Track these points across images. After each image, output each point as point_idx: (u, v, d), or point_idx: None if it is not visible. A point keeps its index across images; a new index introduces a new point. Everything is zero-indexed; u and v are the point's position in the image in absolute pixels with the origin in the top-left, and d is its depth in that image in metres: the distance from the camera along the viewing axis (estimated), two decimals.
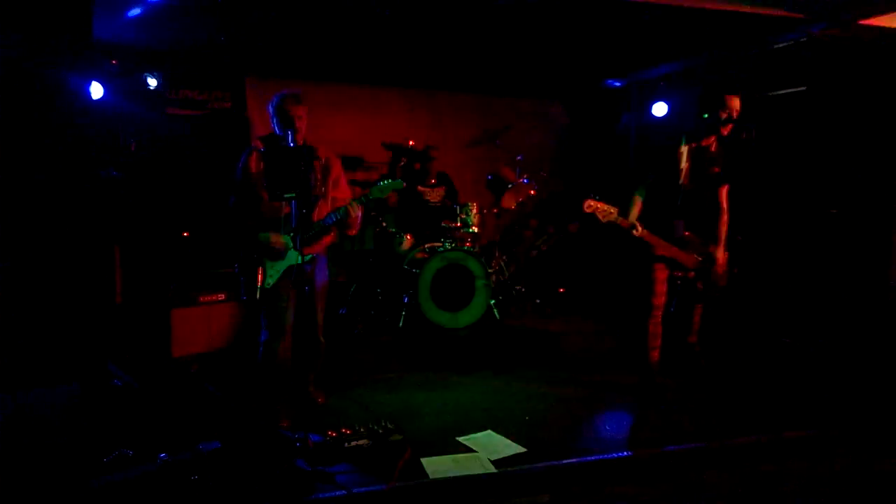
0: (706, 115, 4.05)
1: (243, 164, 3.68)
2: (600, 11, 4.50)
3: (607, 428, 3.96)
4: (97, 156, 4.35)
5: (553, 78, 6.84)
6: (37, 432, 3.08)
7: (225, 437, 3.10)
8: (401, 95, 7.18)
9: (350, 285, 5.94)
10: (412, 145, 5.91)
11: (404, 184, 3.78)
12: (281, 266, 3.64)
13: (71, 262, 3.61)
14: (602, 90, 7.14)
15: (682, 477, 3.37)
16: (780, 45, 4.98)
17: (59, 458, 3.01)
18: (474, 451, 3.43)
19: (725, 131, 4.06)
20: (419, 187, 6.07)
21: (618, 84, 6.94)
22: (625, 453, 3.44)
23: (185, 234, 5.51)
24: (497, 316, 5.54)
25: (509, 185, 6.07)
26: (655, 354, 4.32)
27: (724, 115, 4.00)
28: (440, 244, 5.49)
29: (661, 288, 4.21)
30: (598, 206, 3.84)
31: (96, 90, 4.77)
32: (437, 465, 3.24)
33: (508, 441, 3.57)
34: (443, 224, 5.71)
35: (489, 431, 3.71)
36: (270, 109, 3.67)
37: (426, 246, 5.57)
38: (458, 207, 5.71)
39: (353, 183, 5.01)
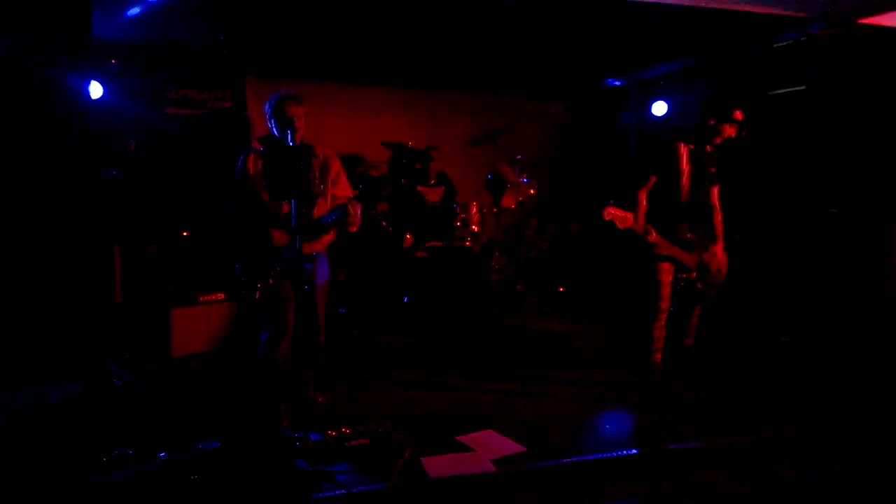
0: (712, 124, 4.12)
1: (242, 165, 3.68)
2: (600, 11, 4.49)
3: (607, 427, 3.96)
4: (97, 155, 4.36)
5: (553, 77, 6.84)
6: (36, 432, 3.08)
7: (225, 437, 3.10)
8: (400, 95, 7.17)
9: (350, 285, 5.94)
10: (412, 144, 5.91)
11: (404, 181, 3.77)
12: (281, 265, 3.64)
13: (70, 262, 3.61)
14: (602, 89, 7.14)
15: (682, 477, 3.37)
16: (780, 45, 4.98)
17: (58, 458, 3.01)
18: (474, 451, 3.44)
19: (721, 140, 4.17)
20: (419, 187, 6.07)
21: (618, 83, 6.94)
22: (625, 453, 3.44)
23: (185, 234, 5.50)
24: (497, 315, 5.54)
25: (509, 185, 6.06)
26: (658, 356, 4.33)
27: (730, 131, 4.10)
28: (440, 243, 5.49)
29: (667, 291, 4.22)
30: (617, 213, 3.85)
31: (95, 89, 4.77)
32: (438, 465, 3.24)
33: (509, 440, 3.57)
34: (443, 223, 5.71)
35: (489, 431, 3.71)
36: (268, 110, 3.67)
37: (426, 245, 5.56)
38: (457, 207, 5.70)
39: (352, 182, 5.01)
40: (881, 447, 3.74)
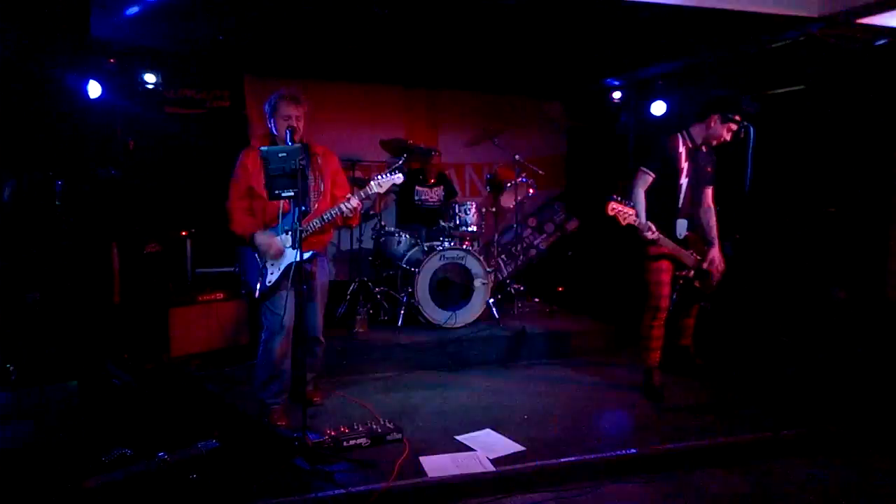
0: (712, 124, 4.15)
1: (240, 164, 3.68)
2: (599, 10, 4.50)
3: (606, 427, 3.96)
4: (95, 154, 4.35)
5: (552, 77, 6.84)
6: (36, 431, 3.08)
7: (224, 436, 3.10)
8: (400, 94, 7.17)
9: (349, 284, 5.93)
10: (411, 144, 5.90)
11: (402, 177, 3.78)
12: (281, 265, 3.64)
13: (69, 261, 3.61)
14: (601, 89, 7.14)
15: (682, 476, 3.38)
16: (779, 44, 4.99)
17: (58, 457, 3.01)
18: (473, 450, 3.44)
19: (719, 142, 4.22)
20: (418, 186, 6.07)
21: (617, 83, 6.94)
22: (624, 452, 3.44)
23: (184, 234, 5.50)
24: (496, 315, 5.54)
25: (508, 185, 6.06)
26: (657, 355, 4.34)
27: (729, 135, 4.13)
28: (439, 243, 5.49)
29: (667, 290, 4.23)
30: (620, 208, 3.85)
31: (94, 89, 4.76)
32: (436, 464, 3.24)
33: (508, 440, 3.58)
34: (442, 223, 5.71)
35: (488, 430, 3.72)
36: (268, 109, 3.68)
37: (425, 245, 5.56)
38: (456, 206, 5.70)
39: (351, 181, 5.01)
40: (881, 446, 3.75)
